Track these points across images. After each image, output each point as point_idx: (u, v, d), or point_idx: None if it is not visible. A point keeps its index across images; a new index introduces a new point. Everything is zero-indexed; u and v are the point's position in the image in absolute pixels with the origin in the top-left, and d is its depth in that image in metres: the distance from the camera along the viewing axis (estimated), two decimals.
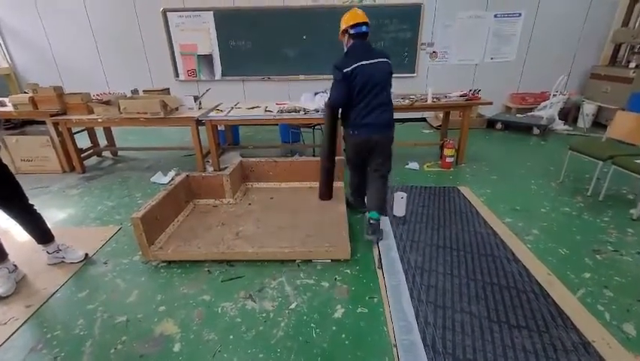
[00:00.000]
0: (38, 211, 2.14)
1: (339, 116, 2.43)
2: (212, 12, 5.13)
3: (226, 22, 5.18)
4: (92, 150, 4.18)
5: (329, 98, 2.39)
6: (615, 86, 4.88)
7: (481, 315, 1.73)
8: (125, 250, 2.38)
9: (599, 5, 5.07)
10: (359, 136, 2.34)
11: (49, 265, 2.22)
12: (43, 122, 3.67)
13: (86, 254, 2.30)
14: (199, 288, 1.99)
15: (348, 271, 2.11)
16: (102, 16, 5.24)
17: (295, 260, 2.20)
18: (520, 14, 5.16)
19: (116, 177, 3.75)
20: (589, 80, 5.41)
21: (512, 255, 2.18)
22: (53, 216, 2.89)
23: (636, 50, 4.85)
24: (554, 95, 4.92)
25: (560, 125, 5.13)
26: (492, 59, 5.44)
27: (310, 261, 2.19)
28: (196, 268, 2.17)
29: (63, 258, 2.23)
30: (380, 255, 2.22)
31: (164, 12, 5.16)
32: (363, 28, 2.22)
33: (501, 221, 2.62)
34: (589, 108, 5.16)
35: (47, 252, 2.20)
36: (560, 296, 1.82)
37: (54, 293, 1.98)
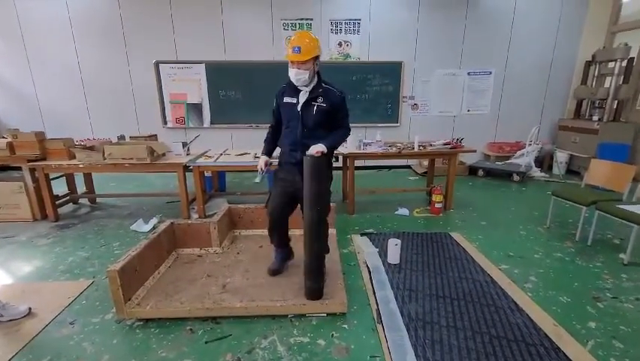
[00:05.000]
0: None
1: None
2: (203, 64, 5.35)
3: (217, 73, 5.38)
4: (67, 197, 3.97)
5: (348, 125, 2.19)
6: (583, 137, 5.25)
7: None
8: (97, 308, 2.13)
9: (559, 66, 5.66)
10: None
11: None
12: (19, 168, 3.49)
13: (29, 308, 2.05)
14: (179, 350, 1.77)
15: (346, 326, 1.95)
16: (93, 65, 5.34)
17: (288, 315, 2.02)
18: (490, 72, 5.66)
19: (93, 225, 3.52)
20: (558, 131, 5.82)
21: (515, 305, 2.09)
22: (16, 269, 2.61)
23: (597, 105, 5.33)
24: (529, 145, 5.22)
25: (537, 172, 5.37)
26: (469, 111, 5.82)
27: (304, 315, 2.02)
28: (177, 326, 1.95)
29: (0, 316, 1.97)
30: (378, 307, 2.08)
31: (157, 64, 5.33)
32: None
33: (497, 268, 2.57)
34: (561, 156, 5.47)
35: None
36: (571, 350, 1.72)
37: None
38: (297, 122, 2.05)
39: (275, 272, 2.32)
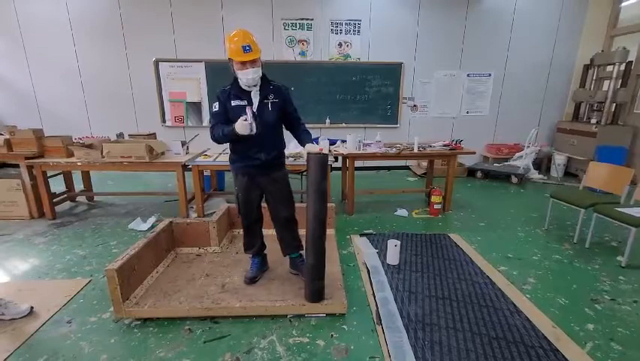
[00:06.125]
0: None
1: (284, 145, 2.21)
2: (203, 63, 5.33)
3: (217, 72, 5.36)
4: (65, 195, 3.94)
5: None
6: (581, 140, 5.28)
7: None
8: (94, 307, 2.11)
9: (558, 69, 5.69)
10: None
11: None
12: (17, 166, 3.47)
13: (31, 307, 2.03)
14: (178, 350, 1.76)
15: (345, 326, 1.94)
16: (92, 63, 5.31)
17: (287, 315, 2.02)
18: (490, 74, 5.68)
19: (90, 223, 3.49)
20: (556, 134, 5.85)
21: (514, 306, 2.09)
22: (13, 267, 2.59)
23: (595, 108, 5.35)
24: (528, 147, 5.24)
25: (535, 175, 5.39)
26: (468, 112, 5.84)
27: (303, 316, 2.01)
28: (175, 326, 1.94)
29: (2, 314, 1.95)
30: (378, 308, 2.08)
31: (156, 62, 5.31)
32: None
33: (496, 269, 2.58)
34: (559, 159, 5.50)
35: None
36: (569, 352, 1.72)
37: None
38: (257, 124, 1.96)
39: (252, 280, 2.25)
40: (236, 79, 1.98)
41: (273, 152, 2.07)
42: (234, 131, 1.91)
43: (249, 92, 1.99)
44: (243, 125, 1.88)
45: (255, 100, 1.99)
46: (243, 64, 1.87)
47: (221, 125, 1.99)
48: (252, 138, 1.95)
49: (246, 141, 1.98)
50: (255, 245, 2.31)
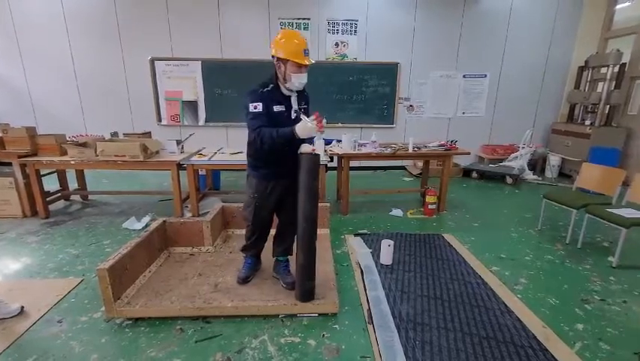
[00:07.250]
0: None
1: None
2: (199, 62, 5.32)
3: (213, 71, 5.35)
4: (59, 194, 3.92)
5: None
6: (575, 141, 5.32)
7: None
8: (85, 306, 2.11)
9: (553, 71, 5.72)
10: None
11: None
12: (10, 164, 3.44)
13: (22, 307, 2.02)
14: (169, 350, 1.75)
15: (337, 326, 1.95)
16: (87, 62, 5.28)
17: (279, 315, 2.02)
18: (485, 75, 5.70)
19: (84, 222, 3.48)
20: (551, 135, 5.88)
21: (505, 306, 2.11)
22: (4, 266, 2.58)
23: (589, 110, 5.39)
24: (522, 148, 5.27)
25: (529, 175, 5.43)
26: (464, 113, 5.86)
27: (295, 315, 2.02)
28: (166, 325, 1.93)
29: None
30: (370, 308, 2.08)
31: (152, 60, 5.29)
32: None
33: (488, 270, 2.59)
34: (554, 160, 5.53)
35: None
36: (559, 352, 1.74)
37: None
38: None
39: (245, 280, 2.24)
40: (277, 82, 1.93)
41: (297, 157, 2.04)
42: (292, 133, 1.82)
43: (289, 98, 1.96)
44: (308, 128, 1.79)
45: (295, 106, 1.98)
46: (300, 67, 1.85)
47: (270, 128, 1.84)
48: (292, 144, 1.90)
49: (286, 147, 1.91)
50: (254, 250, 2.31)
